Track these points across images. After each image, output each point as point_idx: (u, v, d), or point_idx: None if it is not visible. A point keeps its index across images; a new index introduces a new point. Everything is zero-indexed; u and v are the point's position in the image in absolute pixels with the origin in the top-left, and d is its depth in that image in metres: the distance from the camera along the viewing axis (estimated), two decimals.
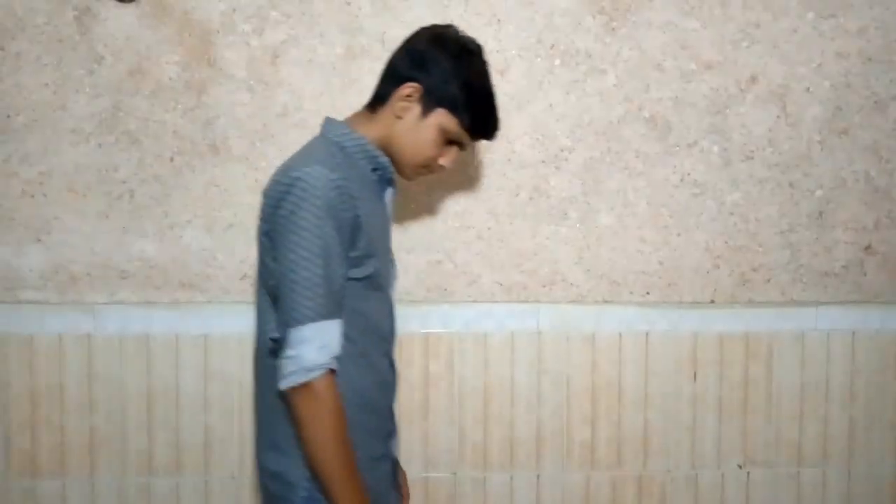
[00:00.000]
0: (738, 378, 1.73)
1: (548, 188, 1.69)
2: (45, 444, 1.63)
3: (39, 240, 1.62)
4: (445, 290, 1.69)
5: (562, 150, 1.69)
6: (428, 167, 1.27)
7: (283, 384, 1.09)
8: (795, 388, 1.74)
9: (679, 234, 1.72)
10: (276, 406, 1.17)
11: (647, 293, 1.73)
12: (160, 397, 1.64)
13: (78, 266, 1.63)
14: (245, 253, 1.65)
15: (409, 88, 1.20)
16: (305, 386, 1.08)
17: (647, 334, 1.72)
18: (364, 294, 1.18)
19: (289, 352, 1.08)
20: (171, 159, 1.63)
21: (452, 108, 1.21)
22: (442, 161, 1.26)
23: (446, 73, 1.20)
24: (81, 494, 1.64)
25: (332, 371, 1.10)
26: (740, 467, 1.74)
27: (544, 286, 1.70)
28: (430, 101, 1.21)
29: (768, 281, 1.75)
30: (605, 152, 1.69)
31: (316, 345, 1.07)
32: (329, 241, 1.09)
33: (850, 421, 1.75)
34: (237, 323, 1.64)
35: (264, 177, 1.64)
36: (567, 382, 1.70)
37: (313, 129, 1.62)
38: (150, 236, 1.64)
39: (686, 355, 1.72)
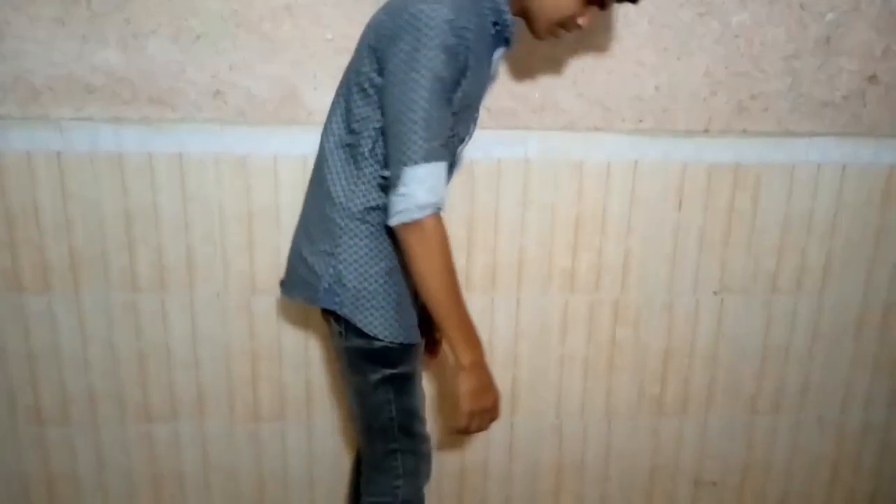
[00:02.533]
0: (723, 208, 1.72)
1: None
2: (25, 263, 1.62)
3: None
4: None
5: None
6: (564, 26, 1.24)
7: (395, 220, 1.14)
8: (779, 220, 1.74)
9: (679, 58, 1.63)
10: (326, 201, 1.25)
11: (640, 121, 1.67)
12: (138, 217, 1.61)
13: (38, 78, 1.53)
14: (216, 67, 1.54)
15: None
16: (416, 223, 1.12)
17: (636, 163, 1.68)
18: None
19: (401, 189, 1.12)
20: None
21: None
22: (580, 20, 1.22)
23: None
24: (68, 311, 1.66)
25: (439, 210, 1.15)
26: (715, 294, 1.79)
27: (534, 112, 1.63)
28: None
29: (765, 110, 1.69)
30: None
31: (428, 185, 1.11)
32: (447, 86, 1.10)
33: (829, 253, 1.78)
34: (213, 142, 1.57)
35: None
36: (552, 211, 1.69)
37: None
38: (112, 46, 1.52)
39: (674, 185, 1.70)
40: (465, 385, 1.21)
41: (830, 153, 1.71)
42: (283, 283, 1.40)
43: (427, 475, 1.40)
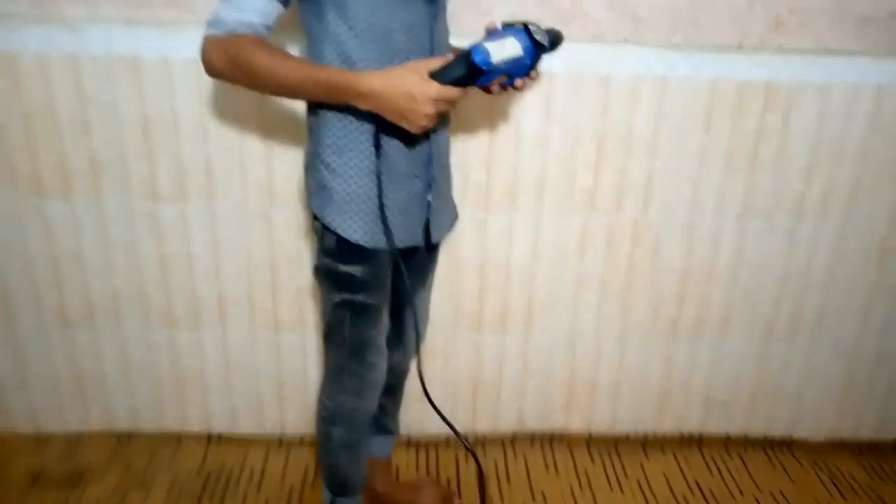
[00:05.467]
0: (752, 129, 1.67)
1: None
2: (46, 165, 1.63)
3: None
4: (450, 30, 1.56)
5: None
6: None
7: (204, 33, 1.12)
8: (809, 143, 1.69)
9: None
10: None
11: (672, 34, 1.60)
12: (157, 123, 1.60)
13: None
14: None
15: None
16: (210, 38, 1.11)
17: (664, 79, 1.62)
18: (387, 1, 1.12)
19: (216, 4, 1.11)
20: None
21: None
22: None
23: None
24: (91, 216, 1.68)
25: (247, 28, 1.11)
26: (738, 217, 1.76)
27: (563, 22, 1.57)
28: None
29: (803, 25, 1.61)
30: None
31: (232, 5, 1.09)
32: None
33: (857, 178, 1.73)
34: None
35: None
36: (576, 127, 1.65)
37: None
38: None
39: (702, 104, 1.65)
40: (389, 117, 1.13)
41: (867, 74, 1.64)
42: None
43: (373, 401, 1.40)
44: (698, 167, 1.70)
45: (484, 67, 1.09)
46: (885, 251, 1.80)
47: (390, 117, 1.12)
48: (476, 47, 1.08)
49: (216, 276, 1.74)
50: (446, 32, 1.28)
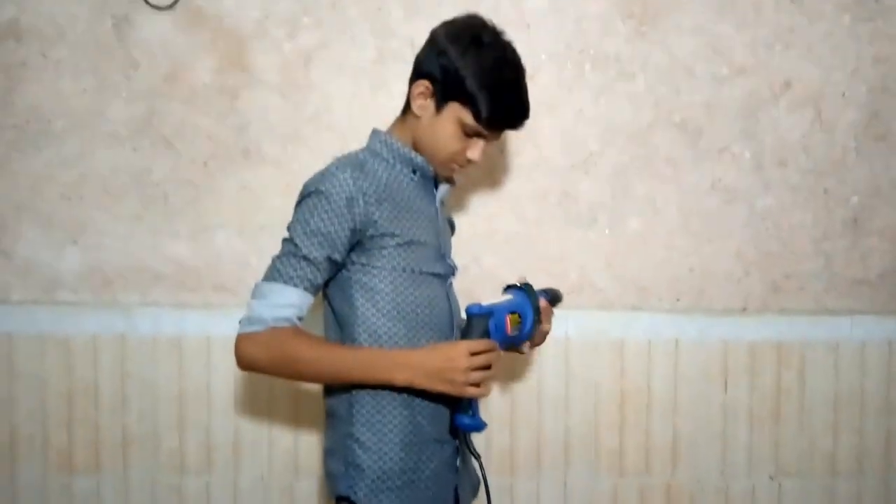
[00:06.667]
0: (769, 387, 1.70)
1: (576, 193, 1.69)
2: (80, 441, 1.67)
3: (76, 242, 1.66)
4: (472, 294, 1.69)
5: (591, 155, 1.68)
6: (455, 162, 1.27)
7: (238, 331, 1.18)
8: (829, 398, 1.71)
9: (709, 241, 1.70)
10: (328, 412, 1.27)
11: (677, 300, 1.71)
12: (191, 398, 1.67)
13: (112, 268, 1.67)
14: None
15: (421, 86, 1.23)
16: (248, 336, 1.17)
17: (676, 341, 1.70)
18: (410, 282, 1.22)
19: (249, 302, 1.18)
20: (205, 163, 1.66)
21: (464, 101, 1.20)
22: (469, 155, 1.25)
23: (455, 66, 1.19)
24: (115, 491, 1.67)
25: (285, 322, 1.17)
26: (772, 478, 1.71)
27: (572, 292, 1.69)
28: (443, 96, 1.22)
29: (801, 289, 1.72)
30: (634, 157, 1.68)
31: (269, 300, 1.16)
32: (319, 232, 1.16)
33: (887, 432, 1.71)
34: None
35: (295, 180, 1.64)
36: (595, 389, 1.69)
37: (344, 133, 1.65)
38: (183, 239, 1.67)
39: (716, 363, 1.70)
40: (430, 385, 1.16)
41: (874, 331, 1.71)
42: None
43: None
44: (722, 426, 1.70)
45: (478, 311, 1.19)
46: None
47: (431, 383, 1.16)
48: (471, 304, 1.21)
49: None
50: (459, 306, 1.38)
